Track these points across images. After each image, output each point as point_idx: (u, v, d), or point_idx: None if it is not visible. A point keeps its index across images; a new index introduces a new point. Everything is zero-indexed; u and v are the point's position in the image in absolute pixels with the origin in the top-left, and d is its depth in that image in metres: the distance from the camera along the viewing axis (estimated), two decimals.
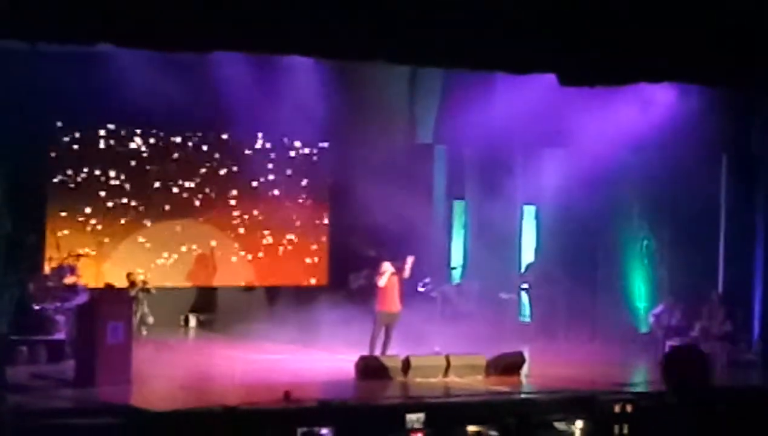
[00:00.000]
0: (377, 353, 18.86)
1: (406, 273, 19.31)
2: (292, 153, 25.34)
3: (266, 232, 25.13)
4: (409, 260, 19.36)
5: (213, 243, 24.53)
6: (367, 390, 17.34)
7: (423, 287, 22.34)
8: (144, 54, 17.23)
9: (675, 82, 17.99)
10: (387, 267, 19.27)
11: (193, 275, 24.37)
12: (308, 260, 25.52)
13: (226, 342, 21.86)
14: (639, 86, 17.66)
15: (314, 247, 25.57)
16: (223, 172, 24.65)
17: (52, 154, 23.07)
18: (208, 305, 24.27)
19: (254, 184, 24.93)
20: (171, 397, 16.23)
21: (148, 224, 23.99)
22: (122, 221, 23.73)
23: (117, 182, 23.65)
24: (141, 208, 23.90)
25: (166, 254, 24.15)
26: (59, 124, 22.94)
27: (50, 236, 22.41)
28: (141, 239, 23.91)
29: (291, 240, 25.33)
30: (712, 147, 20.90)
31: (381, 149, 23.35)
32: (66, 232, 22.87)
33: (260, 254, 25.06)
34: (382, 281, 19.16)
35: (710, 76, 16.63)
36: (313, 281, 25.28)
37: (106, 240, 23.47)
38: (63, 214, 23.11)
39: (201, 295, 24.40)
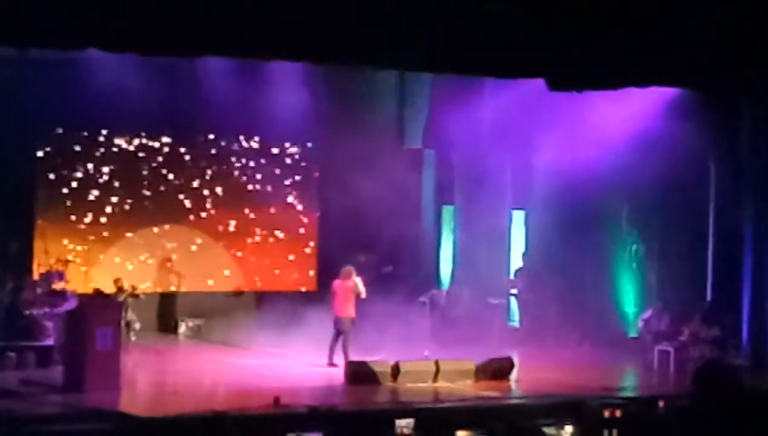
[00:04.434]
0: (337, 359, 19.18)
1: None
2: (280, 158, 25.28)
3: (255, 237, 25.09)
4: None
5: (169, 246, 24.34)
6: (357, 395, 17.35)
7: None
8: (131, 57, 17.23)
9: (663, 87, 18.02)
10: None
11: (157, 281, 24.21)
12: (297, 266, 25.48)
13: (216, 347, 21.84)
14: (627, 91, 17.69)
15: (303, 251, 25.52)
16: (211, 176, 24.60)
17: (40, 160, 23.00)
18: (197, 311, 24.17)
19: (243, 188, 24.88)
20: (160, 402, 16.22)
21: (137, 228, 23.92)
22: (110, 226, 23.65)
23: (105, 187, 23.58)
24: (129, 212, 23.83)
25: (152, 260, 24.10)
26: (47, 127, 22.83)
27: (38, 242, 22.36)
28: (129, 244, 23.84)
29: (280, 245, 25.28)
30: (701, 153, 20.93)
31: (370, 154, 23.35)
32: (55, 235, 22.79)
33: (249, 259, 25.01)
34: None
35: (698, 81, 16.69)
36: (302, 287, 25.20)
37: (95, 245, 23.40)
38: (51, 219, 23.03)
39: (190, 300, 24.31)
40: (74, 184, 23.36)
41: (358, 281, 19.76)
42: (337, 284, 19.88)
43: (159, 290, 23.87)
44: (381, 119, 25.10)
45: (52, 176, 23.15)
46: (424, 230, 26.18)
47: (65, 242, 23.06)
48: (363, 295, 19.74)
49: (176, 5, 13.57)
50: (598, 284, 23.05)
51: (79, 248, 23.20)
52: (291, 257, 25.45)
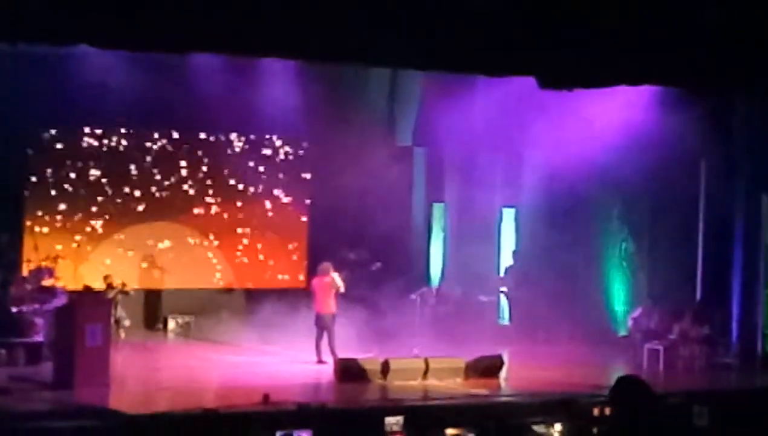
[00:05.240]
0: (325, 357, 19.18)
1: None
2: (271, 154, 25.26)
3: (245, 234, 25.07)
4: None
5: (160, 244, 24.33)
6: (346, 393, 17.34)
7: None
8: (121, 54, 17.20)
9: (654, 84, 18.01)
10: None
11: (142, 278, 24.15)
12: (287, 263, 25.46)
13: (205, 345, 21.82)
14: (618, 89, 17.70)
15: (293, 248, 25.50)
16: (202, 173, 24.56)
17: (30, 156, 22.94)
18: (187, 308, 24.13)
19: (233, 185, 24.86)
20: (150, 400, 16.20)
21: (127, 225, 23.88)
22: (100, 222, 23.63)
23: (95, 183, 23.54)
24: (119, 210, 23.79)
25: (142, 256, 24.05)
26: (37, 123, 22.77)
27: (28, 239, 22.33)
28: (119, 241, 23.80)
29: (270, 243, 25.26)
30: (692, 151, 20.94)
31: (360, 151, 23.33)
32: (44, 232, 22.77)
33: (239, 256, 24.99)
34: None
35: (689, 79, 16.68)
36: (292, 285, 25.16)
37: (84, 242, 23.37)
38: (41, 215, 23.00)
39: (180, 297, 24.27)
40: (65, 180, 23.30)
41: (336, 276, 19.72)
42: (315, 281, 19.94)
43: (146, 286, 23.81)
44: (372, 116, 25.08)
45: (42, 174, 23.09)
46: (415, 227, 26.19)
47: (55, 238, 23.02)
48: (342, 289, 19.70)
49: (167, 1, 13.54)
50: (588, 281, 23.06)
51: (68, 245, 23.16)
52: (281, 255, 25.43)
